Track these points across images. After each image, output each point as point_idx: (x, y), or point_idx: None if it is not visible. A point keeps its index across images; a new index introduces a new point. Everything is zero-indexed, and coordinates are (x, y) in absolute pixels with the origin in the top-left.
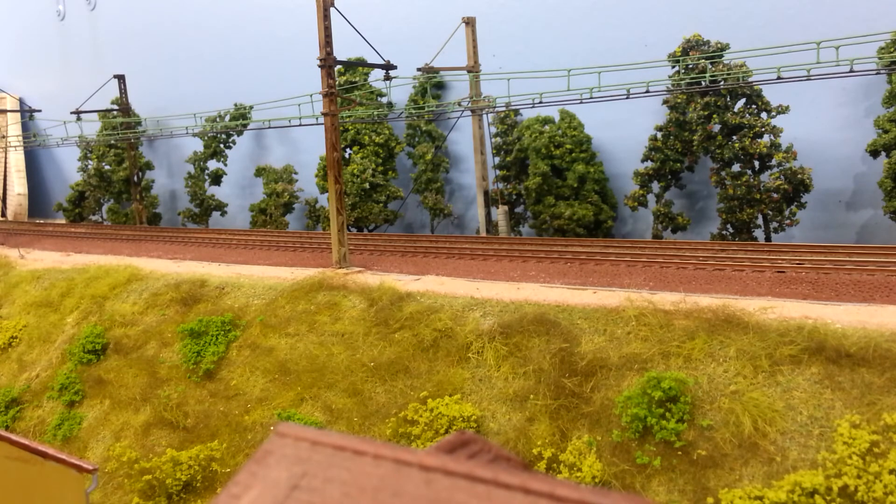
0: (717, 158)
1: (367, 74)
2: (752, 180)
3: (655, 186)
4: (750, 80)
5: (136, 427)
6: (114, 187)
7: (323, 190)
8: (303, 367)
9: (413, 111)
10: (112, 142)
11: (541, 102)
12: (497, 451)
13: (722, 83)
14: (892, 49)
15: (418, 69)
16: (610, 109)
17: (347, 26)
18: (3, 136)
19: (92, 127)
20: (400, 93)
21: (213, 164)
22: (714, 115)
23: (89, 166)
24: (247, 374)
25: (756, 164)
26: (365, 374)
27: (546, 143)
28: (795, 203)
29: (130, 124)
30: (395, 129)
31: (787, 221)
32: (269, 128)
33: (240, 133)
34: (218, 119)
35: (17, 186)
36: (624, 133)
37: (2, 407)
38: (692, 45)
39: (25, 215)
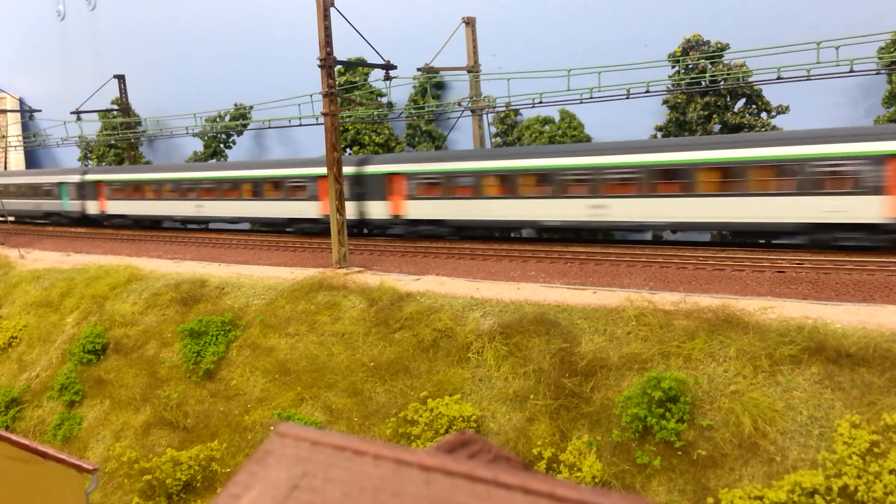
0: None
1: (367, 74)
2: None
3: None
4: (750, 80)
5: (136, 427)
6: None
7: None
8: (303, 367)
9: (413, 111)
10: (112, 142)
11: (541, 102)
12: (497, 451)
13: (722, 83)
14: (892, 49)
15: (418, 69)
16: (610, 109)
17: (347, 26)
18: (3, 136)
19: (92, 127)
20: (400, 93)
21: None
22: (714, 115)
23: (89, 166)
24: (247, 374)
25: None
26: (365, 374)
27: (546, 143)
28: None
29: (130, 124)
30: (395, 129)
31: None
32: (269, 128)
33: (240, 133)
34: (218, 119)
35: None
36: (624, 133)
37: (2, 407)
38: (692, 45)
39: None
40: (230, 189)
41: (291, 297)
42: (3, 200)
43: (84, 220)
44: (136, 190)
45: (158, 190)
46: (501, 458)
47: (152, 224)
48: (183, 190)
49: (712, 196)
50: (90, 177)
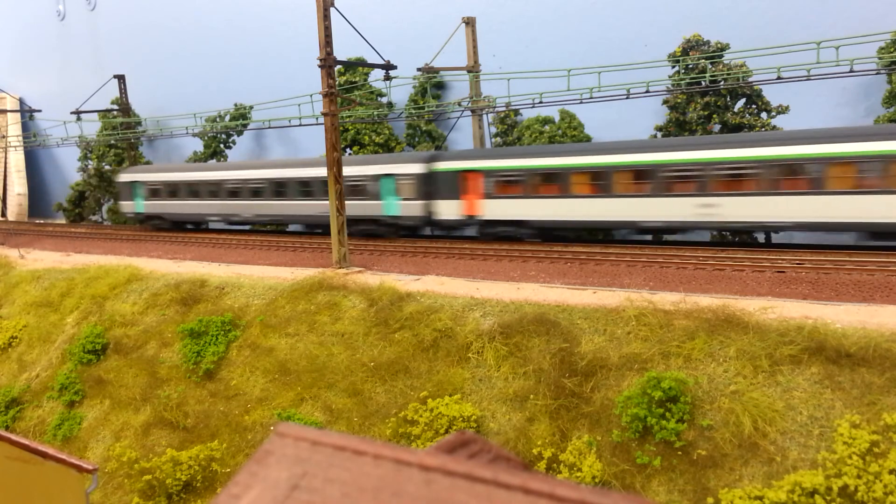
0: None
1: (367, 74)
2: None
3: None
4: (750, 80)
5: (136, 427)
6: (114, 187)
7: None
8: (303, 367)
9: (413, 111)
10: (112, 142)
11: (541, 102)
12: (497, 451)
13: (722, 83)
14: (892, 49)
15: (418, 69)
16: (610, 109)
17: (347, 26)
18: (3, 136)
19: (92, 127)
20: (400, 93)
21: None
22: (714, 115)
23: (89, 166)
24: (247, 374)
25: None
26: (365, 374)
27: (546, 143)
28: None
29: (130, 124)
30: (395, 129)
31: None
32: (269, 128)
33: (240, 133)
34: (218, 119)
35: (17, 186)
36: (624, 133)
37: (2, 407)
38: (692, 45)
39: (25, 215)
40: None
41: (291, 297)
42: (261, 202)
43: (414, 231)
44: (548, 181)
45: (605, 181)
46: (501, 458)
47: (576, 235)
48: (665, 181)
49: None
50: (448, 165)
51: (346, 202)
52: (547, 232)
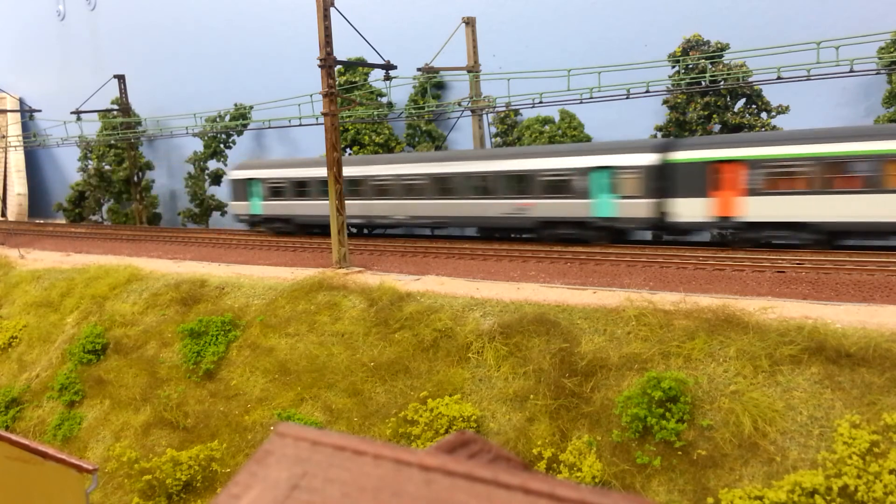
0: None
1: (367, 74)
2: None
3: None
4: (750, 80)
5: (136, 427)
6: (114, 187)
7: None
8: (303, 367)
9: (413, 111)
10: (112, 142)
11: (541, 102)
12: (497, 451)
13: (722, 83)
14: (892, 49)
15: (418, 69)
16: (610, 109)
17: (347, 26)
18: (3, 136)
19: (92, 127)
20: (400, 93)
21: (213, 164)
22: (714, 115)
23: (89, 166)
24: (247, 374)
25: None
26: (365, 374)
27: (546, 143)
28: None
29: (130, 124)
30: (395, 129)
31: None
32: (269, 128)
33: (240, 133)
34: (218, 119)
35: (17, 186)
36: (624, 133)
37: (2, 407)
38: (692, 45)
39: (25, 215)
40: None
41: (291, 297)
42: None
43: (631, 236)
44: (849, 172)
45: None
46: (501, 458)
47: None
48: None
49: None
50: (692, 154)
51: (542, 201)
52: (842, 236)
